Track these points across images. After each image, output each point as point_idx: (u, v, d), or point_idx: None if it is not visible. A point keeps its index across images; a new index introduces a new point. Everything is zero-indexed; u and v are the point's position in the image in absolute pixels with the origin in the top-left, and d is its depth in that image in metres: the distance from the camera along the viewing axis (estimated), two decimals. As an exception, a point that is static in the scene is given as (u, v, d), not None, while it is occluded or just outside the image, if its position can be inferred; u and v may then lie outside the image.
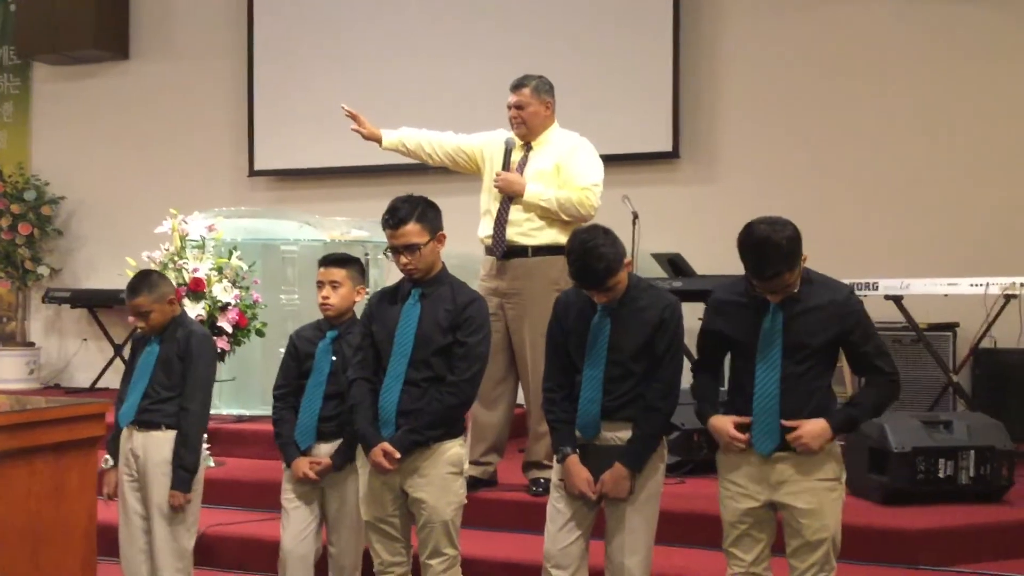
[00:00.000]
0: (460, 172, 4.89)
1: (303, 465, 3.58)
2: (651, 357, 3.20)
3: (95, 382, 7.92)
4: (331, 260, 3.67)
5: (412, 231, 3.27)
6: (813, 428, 3.03)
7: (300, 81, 7.77)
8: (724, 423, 3.12)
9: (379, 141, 4.80)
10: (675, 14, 6.85)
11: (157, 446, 3.63)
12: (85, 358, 8.41)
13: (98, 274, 8.22)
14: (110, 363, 7.79)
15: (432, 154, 4.79)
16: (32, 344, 8.44)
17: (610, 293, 3.18)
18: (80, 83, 8.58)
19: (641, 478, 3.21)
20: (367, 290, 3.85)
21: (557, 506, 3.29)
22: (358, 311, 3.69)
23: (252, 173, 7.99)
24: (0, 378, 8.04)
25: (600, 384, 3.20)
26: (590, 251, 3.11)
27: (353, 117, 4.77)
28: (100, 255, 8.23)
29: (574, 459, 3.23)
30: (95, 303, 7.90)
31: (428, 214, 3.31)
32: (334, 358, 3.59)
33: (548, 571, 3.26)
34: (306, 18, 7.80)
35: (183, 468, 3.60)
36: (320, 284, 3.64)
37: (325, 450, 3.62)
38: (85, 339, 8.44)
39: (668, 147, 6.90)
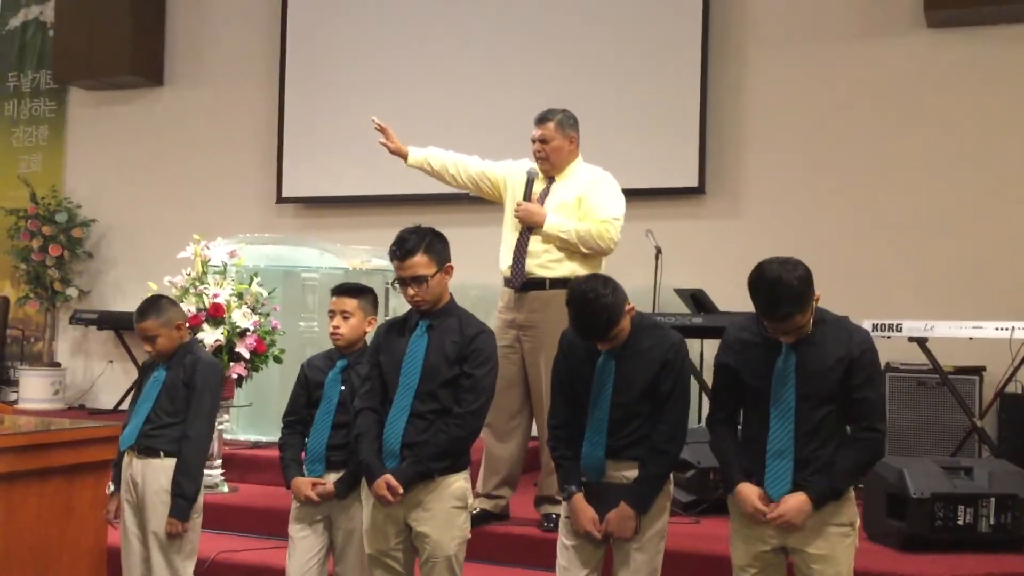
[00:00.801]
0: (482, 197, 4.89)
1: (304, 486, 3.54)
2: (657, 397, 3.16)
3: (119, 404, 7.96)
4: (344, 290, 3.66)
5: (419, 263, 3.25)
6: (794, 504, 2.98)
7: (330, 110, 7.85)
8: (750, 494, 3.04)
9: (405, 157, 4.79)
10: (703, 49, 6.86)
11: (155, 474, 3.62)
12: (110, 380, 8.47)
13: (125, 297, 8.29)
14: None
15: (456, 176, 4.79)
16: (58, 364, 8.51)
17: (614, 340, 3.16)
18: (114, 108, 8.71)
19: (647, 518, 3.18)
20: (385, 318, 3.84)
21: (566, 542, 3.26)
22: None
23: (280, 200, 8.06)
24: (26, 398, 8.12)
25: (605, 427, 3.17)
26: (591, 303, 3.07)
27: (382, 131, 4.76)
28: (128, 278, 8.32)
29: (579, 498, 3.20)
30: (121, 326, 7.95)
31: (436, 245, 3.29)
32: (343, 388, 3.57)
33: None
34: (337, 48, 7.89)
35: (181, 497, 3.59)
36: (331, 313, 3.63)
37: (334, 480, 3.59)
38: (111, 361, 8.52)
39: (694, 182, 6.89)
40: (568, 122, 4.58)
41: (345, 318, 3.59)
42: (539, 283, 4.49)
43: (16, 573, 3.55)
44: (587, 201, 4.51)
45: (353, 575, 3.59)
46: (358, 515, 3.48)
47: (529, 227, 4.52)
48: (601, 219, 4.47)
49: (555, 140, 4.54)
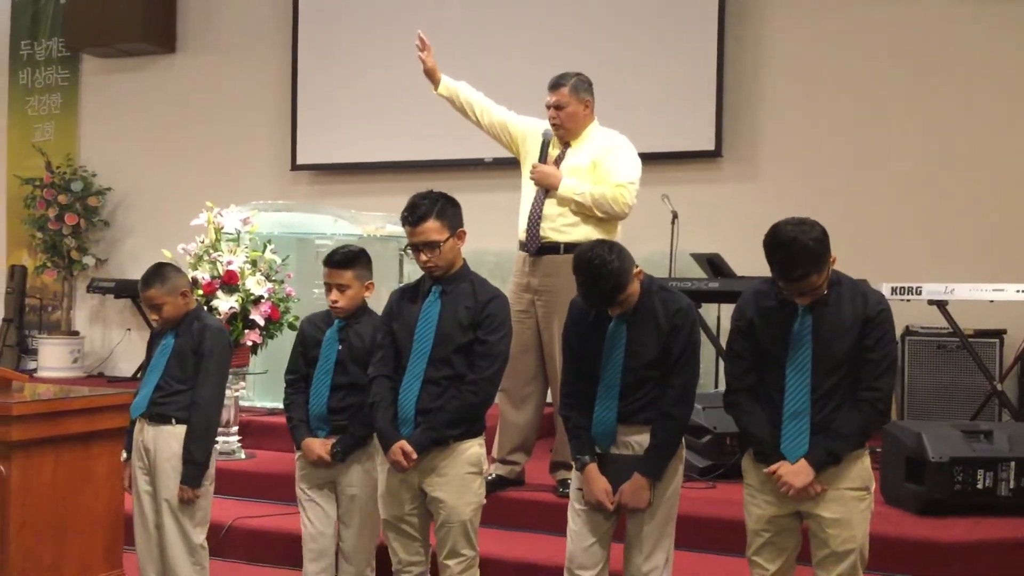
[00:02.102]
0: (500, 144, 4.82)
1: (316, 446, 3.52)
2: (666, 361, 3.13)
3: (137, 371, 8.00)
4: (336, 262, 3.55)
5: (432, 228, 3.22)
6: (792, 467, 2.97)
7: (344, 76, 7.80)
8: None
9: (436, 83, 4.73)
10: (720, 11, 6.77)
11: (167, 440, 3.62)
12: (128, 348, 8.51)
13: (142, 265, 7.96)
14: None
15: (480, 117, 4.74)
16: (76, 333, 8.55)
17: (623, 305, 3.12)
18: (127, 76, 8.68)
19: (661, 484, 3.16)
20: (394, 283, 3.80)
21: (577, 507, 3.25)
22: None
23: (294, 167, 8.03)
24: (45, 366, 8.17)
25: (616, 394, 3.14)
26: (597, 269, 3.02)
27: (422, 47, 4.68)
28: (144, 246, 8.31)
29: (593, 468, 3.18)
30: (138, 294, 7.93)
31: (448, 210, 3.26)
32: (340, 347, 3.54)
33: (572, 572, 3.23)
34: (350, 13, 7.82)
35: (192, 463, 3.59)
36: (327, 286, 3.56)
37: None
38: (129, 329, 8.56)
39: (710, 146, 6.82)
40: (582, 86, 4.51)
41: (342, 291, 3.53)
42: (553, 247, 4.45)
43: (32, 540, 3.56)
44: (602, 165, 4.45)
45: (357, 539, 3.56)
46: (357, 479, 3.49)
47: (545, 189, 4.47)
48: (616, 183, 4.42)
49: (570, 105, 4.47)
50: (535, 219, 4.48)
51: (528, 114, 4.80)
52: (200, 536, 3.67)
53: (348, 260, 3.55)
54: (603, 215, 4.42)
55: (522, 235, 4.55)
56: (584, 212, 4.43)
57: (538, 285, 4.47)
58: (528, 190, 4.57)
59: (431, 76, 4.72)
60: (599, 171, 4.45)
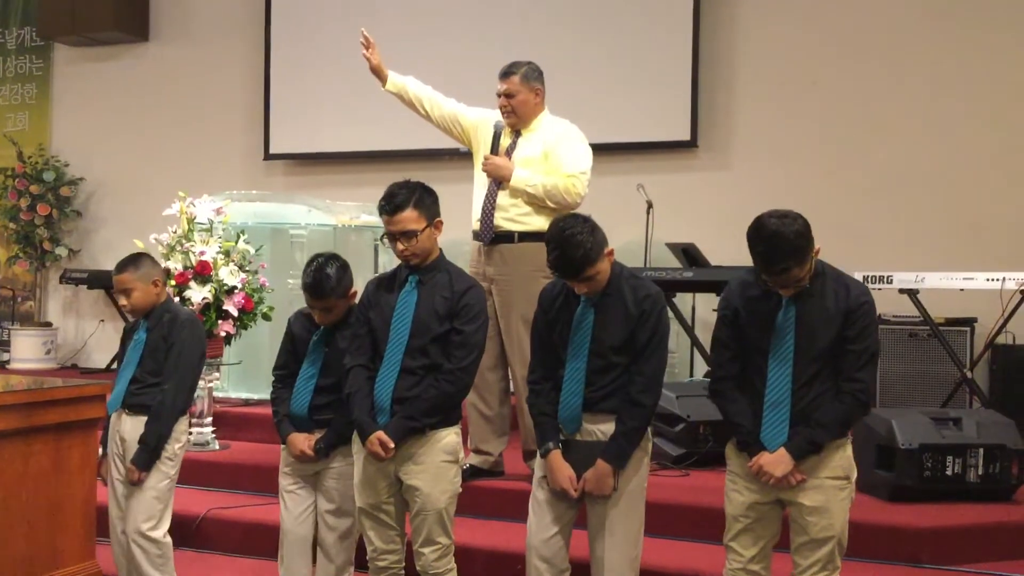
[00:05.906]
0: (452, 137, 4.81)
1: (300, 441, 3.50)
2: (634, 348, 3.14)
3: (111, 363, 7.94)
4: (319, 295, 3.41)
5: (409, 217, 3.21)
6: (771, 456, 3.00)
7: (317, 65, 7.77)
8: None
9: (384, 80, 4.73)
10: (695, 1, 6.77)
11: (140, 430, 3.60)
12: (102, 339, 8.46)
13: (116, 256, 7.90)
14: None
15: (430, 111, 4.73)
16: (49, 324, 8.48)
17: (590, 283, 3.13)
18: (100, 65, 8.62)
19: (624, 476, 3.16)
20: (369, 274, 3.77)
21: (539, 497, 3.25)
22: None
23: (267, 157, 8.00)
24: (17, 357, 8.11)
25: (583, 377, 3.15)
26: (567, 240, 3.06)
27: (367, 45, 4.67)
28: (118, 237, 8.25)
29: (556, 455, 3.18)
30: (112, 285, 7.89)
31: (425, 200, 3.26)
32: (327, 350, 3.52)
33: (532, 563, 3.23)
34: (324, 3, 7.78)
35: (144, 444, 3.56)
36: (312, 307, 3.52)
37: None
38: (102, 320, 8.49)
39: (686, 136, 6.84)
40: (533, 75, 4.50)
41: (328, 312, 3.47)
42: (508, 236, 4.45)
43: (5, 531, 3.55)
44: (553, 155, 4.45)
45: (340, 535, 3.52)
46: (340, 474, 3.46)
47: (497, 181, 4.47)
48: (568, 174, 4.42)
49: (520, 94, 4.47)
50: (488, 209, 4.48)
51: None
52: (157, 532, 3.60)
53: (327, 291, 3.41)
54: (555, 206, 4.41)
55: (476, 225, 4.56)
56: (537, 203, 4.43)
57: (494, 274, 4.48)
58: (481, 180, 4.57)
59: (378, 74, 4.71)
60: (551, 161, 4.45)
